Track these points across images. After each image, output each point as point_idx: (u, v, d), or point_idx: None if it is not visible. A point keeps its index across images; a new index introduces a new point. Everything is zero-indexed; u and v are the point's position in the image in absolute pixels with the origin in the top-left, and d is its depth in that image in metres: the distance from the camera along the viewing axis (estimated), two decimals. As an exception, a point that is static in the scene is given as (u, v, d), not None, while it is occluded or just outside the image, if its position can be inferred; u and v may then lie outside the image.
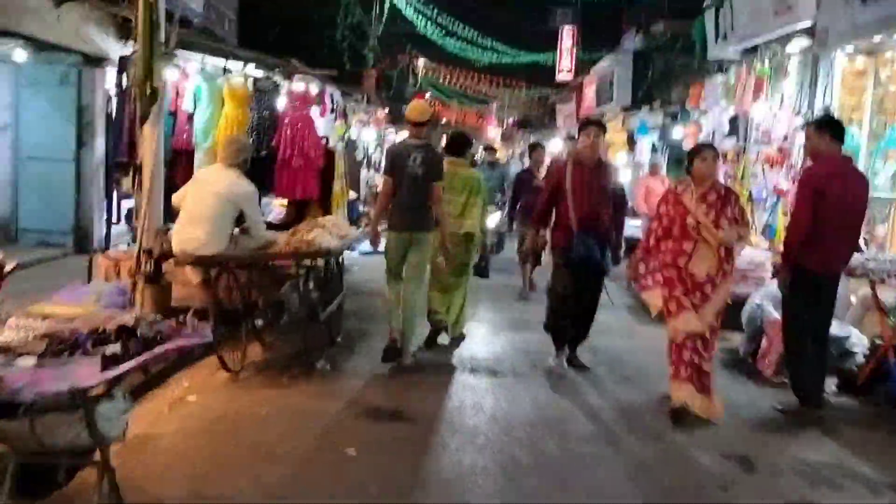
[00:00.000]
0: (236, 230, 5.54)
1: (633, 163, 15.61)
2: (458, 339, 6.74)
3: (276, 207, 9.60)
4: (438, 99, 40.62)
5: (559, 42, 24.41)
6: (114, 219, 9.34)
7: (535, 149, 10.22)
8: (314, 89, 9.06)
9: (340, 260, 6.98)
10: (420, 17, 22.92)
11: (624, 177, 15.39)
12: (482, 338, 7.13)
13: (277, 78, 8.97)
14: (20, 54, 8.19)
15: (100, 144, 9.47)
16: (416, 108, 6.30)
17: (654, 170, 12.03)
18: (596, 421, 4.97)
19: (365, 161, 16.64)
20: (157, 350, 3.03)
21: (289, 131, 8.71)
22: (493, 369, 6.03)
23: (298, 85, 8.89)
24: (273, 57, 9.40)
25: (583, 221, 5.81)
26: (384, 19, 23.00)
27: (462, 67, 32.01)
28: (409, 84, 35.11)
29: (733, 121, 11.31)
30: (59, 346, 2.84)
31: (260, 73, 8.93)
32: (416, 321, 6.02)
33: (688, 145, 12.30)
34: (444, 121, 50.31)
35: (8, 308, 3.84)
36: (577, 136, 6.39)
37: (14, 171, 9.47)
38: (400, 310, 5.84)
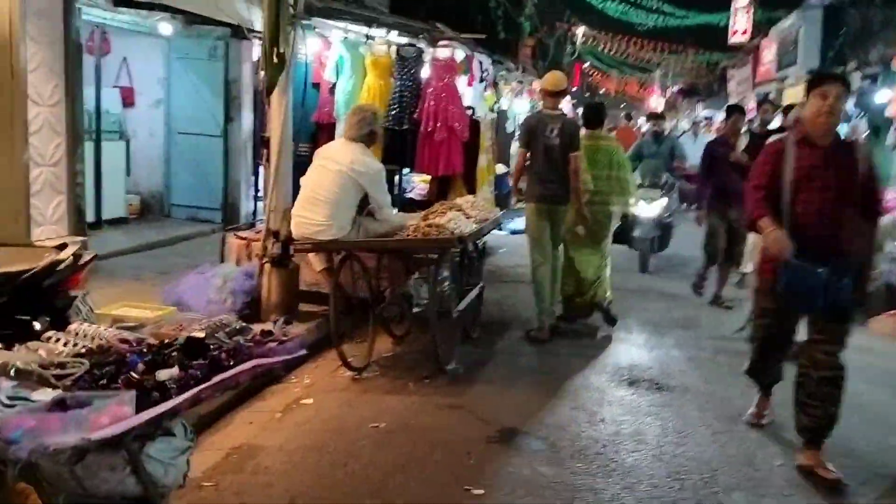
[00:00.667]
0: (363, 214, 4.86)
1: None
2: (606, 309, 6.24)
3: (419, 184, 8.93)
4: (597, 68, 38.71)
5: (733, 1, 22.01)
6: (260, 195, 9.09)
7: (733, 113, 7.61)
8: (460, 56, 8.23)
9: (481, 245, 6.17)
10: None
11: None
12: (644, 343, 6.07)
13: (422, 45, 8.23)
14: (167, 27, 7.96)
15: (247, 119, 9.20)
16: (551, 77, 5.99)
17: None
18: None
19: (516, 133, 15.71)
20: (222, 377, 2.33)
21: (432, 102, 7.97)
22: (659, 383, 5.00)
23: (443, 52, 8.10)
24: (419, 22, 8.67)
25: (808, 239, 3.59)
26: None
27: (624, 33, 30.09)
28: (567, 53, 33.60)
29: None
30: (99, 370, 2.21)
31: (404, 41, 8.23)
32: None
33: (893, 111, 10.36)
34: (602, 91, 48.25)
35: (91, 304, 3.35)
36: (806, 97, 3.82)
37: (166, 147, 9.41)
38: (547, 290, 5.77)
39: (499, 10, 17.38)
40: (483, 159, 8.44)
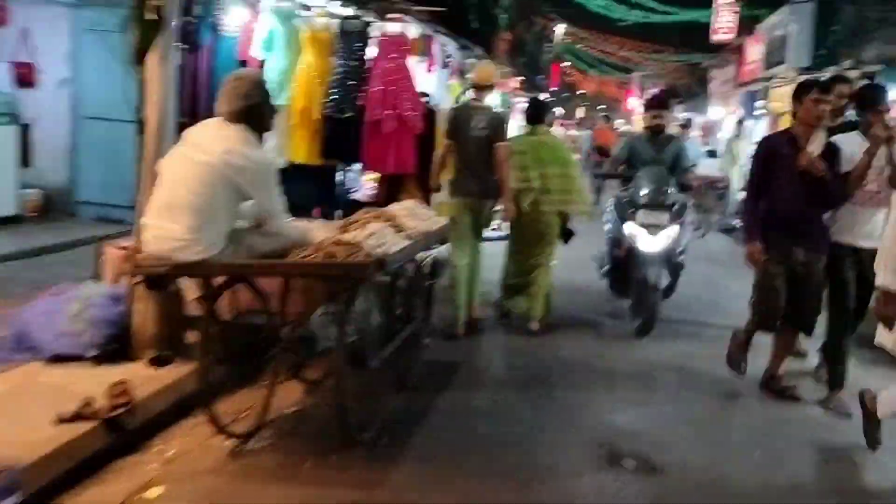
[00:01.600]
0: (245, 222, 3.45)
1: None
2: (542, 327, 5.71)
3: (366, 183, 7.54)
4: (576, 68, 37.52)
5: (717, -2, 20.87)
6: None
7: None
8: (413, 32, 6.87)
9: (427, 264, 4.84)
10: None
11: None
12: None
13: (370, 17, 6.85)
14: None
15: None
16: (481, 71, 6.03)
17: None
18: None
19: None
20: None
21: (380, 86, 6.59)
22: (654, 462, 3.66)
23: (394, 26, 6.73)
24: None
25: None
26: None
27: (604, 31, 28.91)
28: (546, 51, 32.41)
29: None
30: None
31: (347, 12, 6.84)
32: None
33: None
34: (581, 91, 47.06)
35: None
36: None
37: (73, 134, 7.93)
38: (464, 288, 5.43)
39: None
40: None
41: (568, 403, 4.32)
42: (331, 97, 6.66)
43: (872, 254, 3.90)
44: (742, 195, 11.79)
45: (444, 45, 8.79)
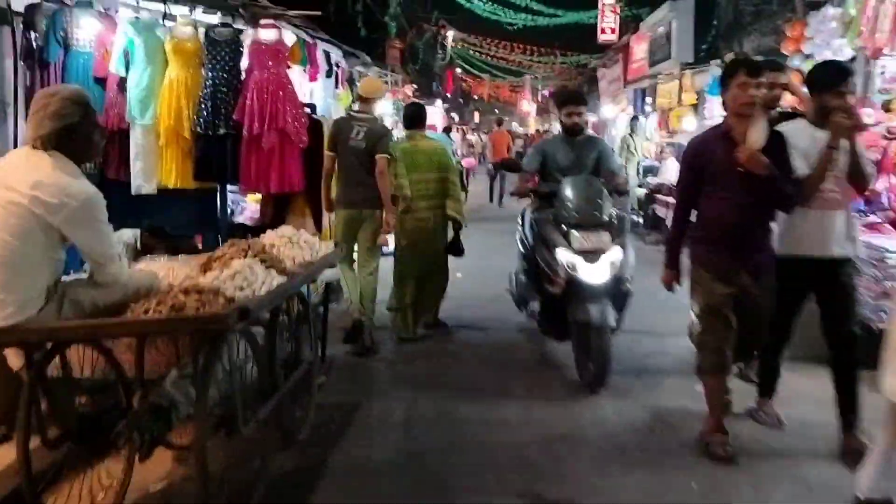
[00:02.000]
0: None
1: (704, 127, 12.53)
2: (436, 327, 5.98)
3: (250, 204, 6.88)
4: (470, 74, 37.63)
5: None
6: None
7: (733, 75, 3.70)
8: (290, 39, 6.28)
9: (318, 293, 4.28)
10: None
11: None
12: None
13: (240, 25, 6.21)
14: None
15: (13, 130, 6.82)
16: (366, 84, 6.08)
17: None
18: None
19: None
20: None
21: (255, 98, 5.97)
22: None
23: (268, 33, 6.11)
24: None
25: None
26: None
27: (493, 36, 29.02)
28: (438, 58, 32.22)
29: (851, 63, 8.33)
30: None
31: (215, 19, 6.18)
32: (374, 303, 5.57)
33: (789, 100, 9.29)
34: (475, 96, 47.35)
35: None
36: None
37: None
38: (358, 291, 5.52)
39: (357, 5, 15.44)
40: (329, 170, 6.52)
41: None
42: (202, 113, 6.00)
43: (831, 263, 3.58)
44: (641, 191, 11.96)
45: (328, 51, 8.21)
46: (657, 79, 16.00)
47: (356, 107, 6.04)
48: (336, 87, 8.96)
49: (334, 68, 8.57)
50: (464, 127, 34.71)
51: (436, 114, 25.46)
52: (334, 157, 5.64)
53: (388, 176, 5.35)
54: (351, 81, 9.89)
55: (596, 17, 20.77)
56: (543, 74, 35.59)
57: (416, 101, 7.55)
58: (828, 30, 8.29)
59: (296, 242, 3.57)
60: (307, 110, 6.43)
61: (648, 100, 15.61)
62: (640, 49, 17.92)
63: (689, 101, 12.16)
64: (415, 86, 25.18)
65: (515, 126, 39.60)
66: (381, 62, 17.06)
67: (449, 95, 35.86)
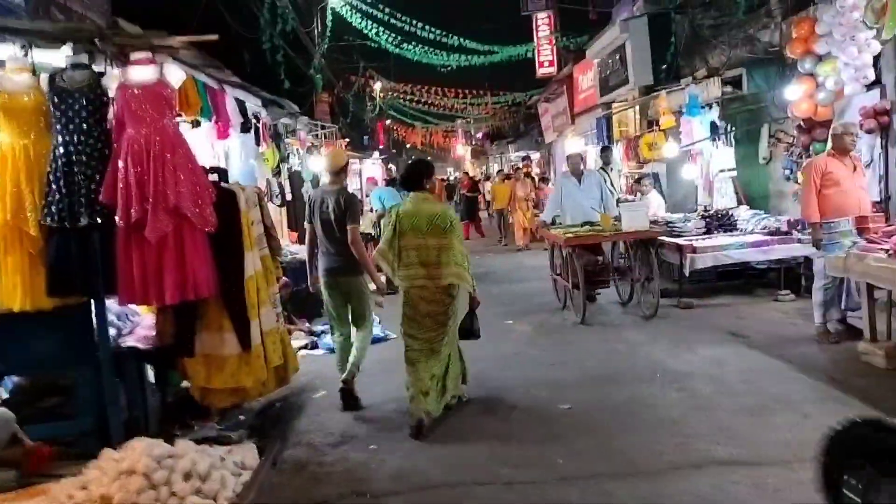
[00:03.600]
0: None
1: (686, 153, 10.92)
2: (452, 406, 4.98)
3: (144, 318, 4.72)
4: (400, 123, 36.09)
5: (534, 32, 19.88)
6: None
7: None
8: (176, 77, 4.23)
9: None
10: (370, 23, 18.16)
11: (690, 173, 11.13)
12: None
13: (100, 64, 4.15)
14: None
15: None
16: (333, 156, 5.78)
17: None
18: None
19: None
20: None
21: (129, 167, 3.92)
22: None
23: (143, 71, 4.07)
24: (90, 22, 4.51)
25: None
26: (328, 32, 18.27)
27: (426, 82, 27.55)
28: (368, 109, 30.57)
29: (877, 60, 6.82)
30: None
31: (62, 59, 4.11)
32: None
33: (803, 110, 7.73)
34: (408, 145, 45.81)
35: None
36: None
37: None
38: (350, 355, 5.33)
39: (278, 55, 13.39)
40: (252, 260, 4.43)
41: None
42: (52, 197, 3.93)
43: None
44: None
45: (242, 100, 6.19)
46: (614, 107, 14.54)
47: (325, 179, 6.14)
48: (258, 144, 6.93)
49: (252, 121, 6.55)
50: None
51: (375, 167, 23.64)
52: (311, 228, 5.46)
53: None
54: (277, 137, 7.90)
55: (532, 51, 19.38)
56: (476, 116, 34.28)
57: (420, 159, 6.62)
58: (848, 22, 6.75)
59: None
60: (213, 177, 4.39)
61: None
62: (586, 78, 16.49)
63: (666, 125, 10.57)
64: (347, 139, 23.38)
65: (450, 171, 38.13)
66: (308, 114, 15.17)
67: (381, 147, 34.17)
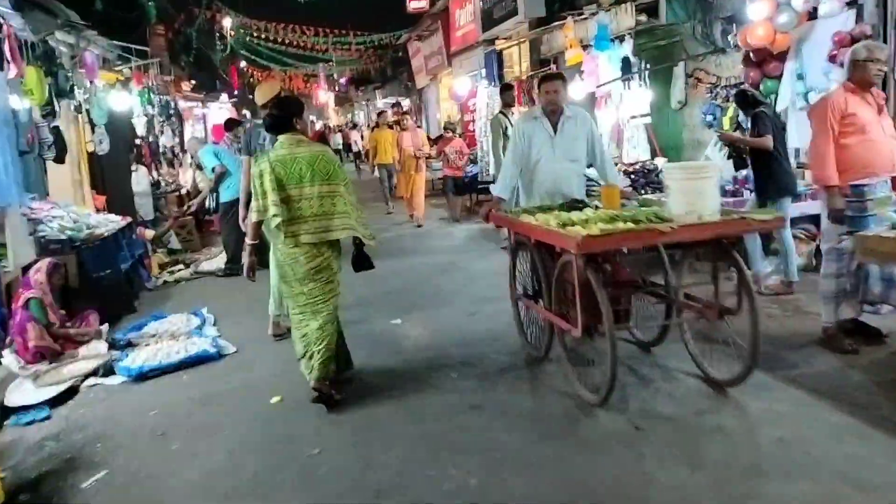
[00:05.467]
0: None
1: (603, 92, 9.10)
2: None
3: None
4: (255, 65, 32.40)
5: (404, -41, 17.41)
6: None
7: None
8: None
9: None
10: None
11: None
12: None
13: None
14: None
15: None
16: (261, 90, 5.26)
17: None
18: None
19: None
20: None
21: None
22: None
23: None
24: None
25: None
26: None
27: (280, 18, 24.34)
28: (218, 50, 26.83)
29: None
30: None
31: None
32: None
33: (759, 36, 6.04)
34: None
35: None
36: None
37: None
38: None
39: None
40: None
41: None
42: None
43: None
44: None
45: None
46: (496, 42, 12.61)
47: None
48: (-1, 66, 4.28)
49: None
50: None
51: (223, 111, 20.36)
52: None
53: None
54: (48, 59, 5.21)
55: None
56: (339, 59, 31.31)
57: (288, 95, 5.53)
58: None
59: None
60: None
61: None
62: (464, 12, 14.40)
63: (574, 60, 8.70)
64: (193, 81, 19.97)
65: (313, 120, 34.98)
66: (144, 47, 12.10)
67: (237, 91, 30.49)
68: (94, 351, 5.05)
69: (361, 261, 4.19)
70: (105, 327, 5.31)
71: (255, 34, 26.60)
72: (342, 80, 37.82)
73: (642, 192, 6.88)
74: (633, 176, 7.16)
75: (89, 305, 5.59)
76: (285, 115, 4.06)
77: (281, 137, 4.03)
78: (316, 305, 3.91)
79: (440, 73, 16.95)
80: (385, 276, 6.26)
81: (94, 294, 5.91)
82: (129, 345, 5.31)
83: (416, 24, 18.11)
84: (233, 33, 28.12)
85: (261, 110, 5.04)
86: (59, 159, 5.63)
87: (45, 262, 4.88)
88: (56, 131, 5.50)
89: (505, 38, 12.56)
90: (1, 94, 4.35)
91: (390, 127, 11.94)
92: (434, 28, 16.39)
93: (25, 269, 5.24)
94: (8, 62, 4.41)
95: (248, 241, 4.02)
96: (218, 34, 26.67)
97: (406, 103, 23.81)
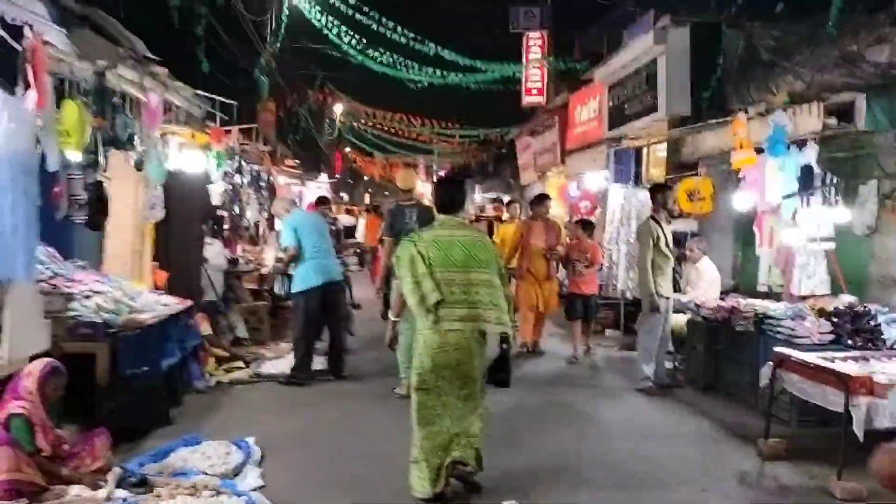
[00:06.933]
0: None
1: (769, 206, 7.28)
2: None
3: None
4: (359, 151, 32.38)
5: (524, 54, 16.50)
6: None
7: None
8: None
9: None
10: (331, 20, 14.27)
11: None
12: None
13: None
14: None
15: None
16: (401, 177, 6.46)
17: None
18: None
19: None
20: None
21: None
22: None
23: None
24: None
25: None
26: (282, 30, 14.55)
27: (388, 102, 24.00)
28: (326, 133, 26.76)
29: None
30: None
31: None
32: None
33: None
34: (366, 177, 41.98)
35: None
36: None
37: None
38: None
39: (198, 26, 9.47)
40: None
41: None
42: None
43: None
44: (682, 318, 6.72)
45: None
46: (633, 142, 11.15)
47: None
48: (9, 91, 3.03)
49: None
50: (355, 208, 29.25)
51: (321, 191, 19.73)
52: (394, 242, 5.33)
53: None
54: (101, 96, 4.00)
55: (520, 73, 15.92)
56: (441, 150, 30.83)
57: (453, 177, 3.91)
58: None
59: None
60: None
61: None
62: (586, 109, 13.11)
63: (743, 163, 7.00)
64: (297, 160, 19.47)
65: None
66: (251, 124, 11.42)
67: (338, 175, 30.37)
68: (90, 494, 3.55)
69: (501, 369, 3.87)
70: (110, 459, 3.81)
71: (362, 117, 26.43)
72: (441, 173, 37.44)
73: (848, 342, 5.00)
74: (834, 319, 5.26)
75: (108, 417, 4.19)
76: (462, 194, 4.09)
77: (443, 217, 3.95)
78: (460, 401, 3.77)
79: (551, 170, 15.61)
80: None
81: (123, 398, 4.54)
82: (143, 483, 3.79)
83: (528, 119, 17.01)
84: (342, 120, 28.17)
85: (402, 193, 5.50)
86: (93, 224, 4.37)
87: (40, 365, 3.50)
88: (96, 188, 4.26)
89: (633, 138, 11.10)
90: (21, 130, 3.11)
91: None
92: (550, 124, 15.16)
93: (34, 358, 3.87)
94: (28, 86, 3.20)
95: (391, 317, 4.19)
96: (328, 118, 26.69)
97: (507, 199, 22.62)
